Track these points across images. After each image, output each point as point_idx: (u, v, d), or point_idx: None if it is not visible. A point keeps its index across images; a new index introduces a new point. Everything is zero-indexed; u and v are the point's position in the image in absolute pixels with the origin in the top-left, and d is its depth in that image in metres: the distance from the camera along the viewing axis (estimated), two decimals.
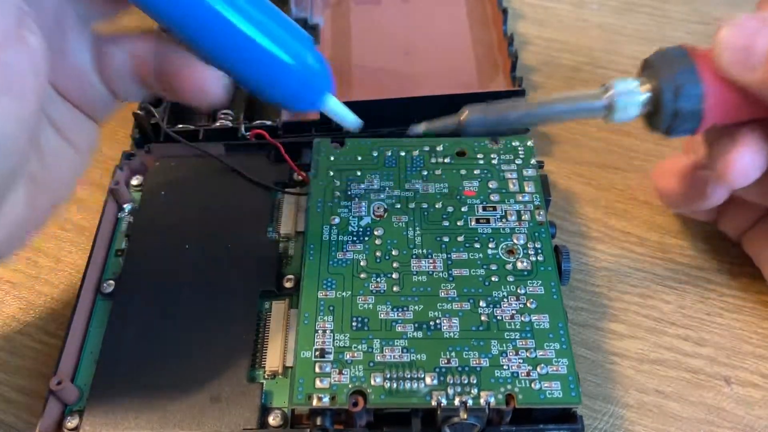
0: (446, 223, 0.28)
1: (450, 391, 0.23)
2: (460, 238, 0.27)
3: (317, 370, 0.23)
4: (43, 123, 0.22)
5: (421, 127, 0.25)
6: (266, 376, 0.25)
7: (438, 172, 0.29)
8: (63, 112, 0.23)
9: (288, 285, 0.28)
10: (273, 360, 0.26)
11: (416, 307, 0.25)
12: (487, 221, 0.28)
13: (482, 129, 0.24)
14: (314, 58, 0.24)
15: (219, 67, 0.23)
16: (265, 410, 0.24)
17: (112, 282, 0.28)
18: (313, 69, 0.24)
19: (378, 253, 0.27)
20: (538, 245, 0.27)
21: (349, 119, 0.26)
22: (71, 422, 0.24)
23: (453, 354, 0.24)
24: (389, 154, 0.30)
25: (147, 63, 0.23)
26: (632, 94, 0.24)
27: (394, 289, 0.26)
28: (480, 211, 0.28)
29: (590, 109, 0.24)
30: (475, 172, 0.29)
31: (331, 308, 0.25)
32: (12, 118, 0.18)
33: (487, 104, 0.24)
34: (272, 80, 0.23)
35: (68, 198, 0.24)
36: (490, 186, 0.29)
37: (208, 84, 0.22)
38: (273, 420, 0.24)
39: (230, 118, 0.34)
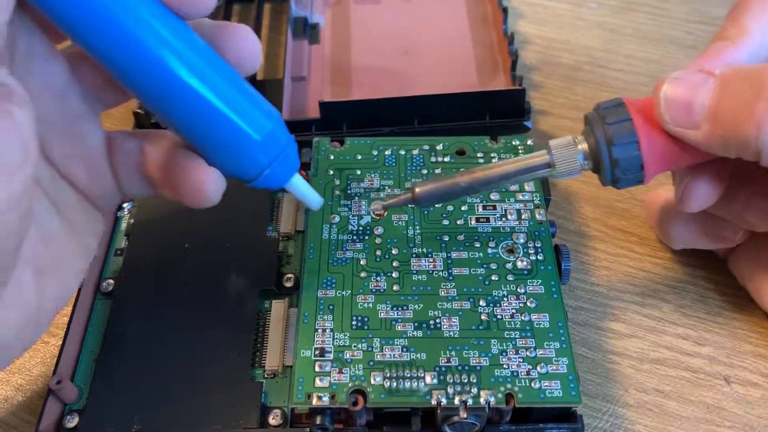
0: (446, 222, 0.27)
1: (450, 391, 0.23)
2: (460, 237, 0.27)
3: (317, 369, 0.23)
4: (45, 205, 0.22)
5: (378, 206, 0.27)
6: (266, 376, 0.25)
7: (438, 171, 0.29)
8: (68, 197, 0.23)
9: (288, 284, 0.28)
10: (273, 359, 0.25)
11: (416, 306, 0.25)
12: (487, 220, 0.28)
13: (435, 201, 0.25)
14: (286, 137, 0.23)
15: (191, 140, 0.22)
16: (264, 409, 0.24)
17: (111, 281, 0.28)
18: (284, 148, 0.23)
19: (378, 252, 0.27)
20: (538, 244, 0.27)
21: (314, 198, 0.25)
22: (71, 422, 0.24)
23: (453, 353, 0.24)
24: (389, 153, 0.30)
25: (156, 159, 0.23)
26: (570, 147, 0.24)
27: (394, 288, 0.26)
28: (480, 210, 0.28)
29: (533, 167, 0.25)
30: None
31: (331, 307, 0.25)
32: None
33: (435, 179, 0.25)
34: (240, 157, 0.22)
35: (75, 288, 0.24)
36: None
37: (207, 185, 0.22)
38: (273, 419, 0.24)
39: None
